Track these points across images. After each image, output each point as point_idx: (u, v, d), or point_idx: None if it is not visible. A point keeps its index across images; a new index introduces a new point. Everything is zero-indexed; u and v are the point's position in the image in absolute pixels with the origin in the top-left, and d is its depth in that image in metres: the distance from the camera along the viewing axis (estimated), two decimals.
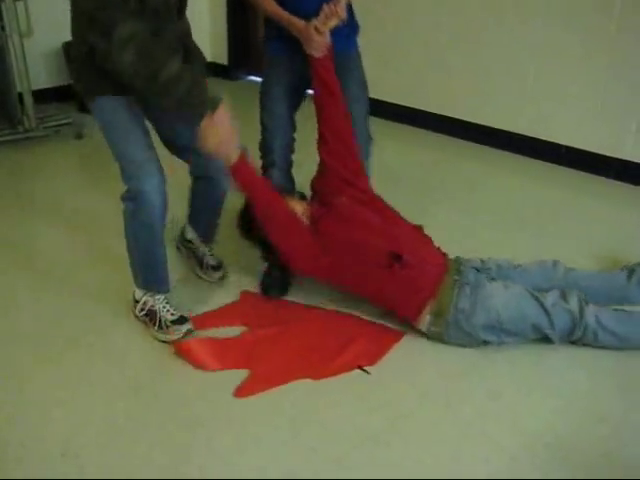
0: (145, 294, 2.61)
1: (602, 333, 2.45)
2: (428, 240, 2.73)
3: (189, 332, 2.56)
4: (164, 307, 2.58)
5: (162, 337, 2.56)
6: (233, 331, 2.63)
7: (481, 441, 2.12)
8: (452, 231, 3.29)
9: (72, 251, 3.28)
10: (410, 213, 2.82)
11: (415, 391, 2.34)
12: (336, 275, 2.61)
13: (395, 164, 4.23)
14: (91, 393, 2.32)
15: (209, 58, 6.06)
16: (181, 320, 2.57)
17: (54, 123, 4.78)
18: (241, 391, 2.30)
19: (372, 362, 2.46)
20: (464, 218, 3.60)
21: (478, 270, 2.59)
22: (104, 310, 2.77)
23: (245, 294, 2.89)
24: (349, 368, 2.43)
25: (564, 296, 2.48)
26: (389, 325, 2.66)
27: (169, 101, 2.21)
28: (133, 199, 2.39)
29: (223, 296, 2.88)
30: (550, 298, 2.46)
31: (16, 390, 2.34)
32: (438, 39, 4.65)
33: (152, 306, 2.58)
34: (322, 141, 2.77)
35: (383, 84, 4.91)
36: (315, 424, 2.18)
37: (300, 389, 2.34)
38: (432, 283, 2.50)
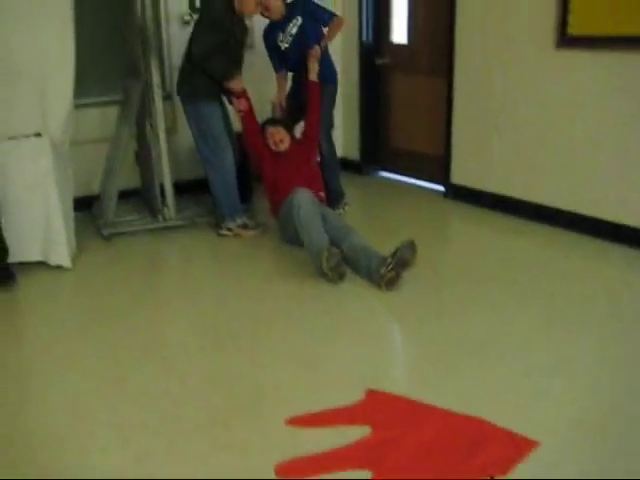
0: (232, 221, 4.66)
1: None
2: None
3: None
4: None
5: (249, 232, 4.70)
6: (352, 431, 2.52)
7: None
8: None
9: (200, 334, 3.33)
10: None
11: None
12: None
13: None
14: None
15: (341, 154, 6.27)
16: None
17: (191, 213, 4.99)
18: None
19: (504, 472, 2.25)
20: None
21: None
22: None
23: (372, 393, 2.77)
24: (479, 475, 2.24)
25: None
26: (518, 432, 2.45)
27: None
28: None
29: (344, 393, 2.79)
30: None
31: None
32: (573, 137, 4.51)
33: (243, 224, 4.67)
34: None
35: (517, 182, 4.85)
36: None
37: None
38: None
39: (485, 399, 2.72)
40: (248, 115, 4.62)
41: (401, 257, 3.67)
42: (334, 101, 5.10)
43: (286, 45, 4.87)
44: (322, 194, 4.63)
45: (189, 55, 4.49)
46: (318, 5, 4.97)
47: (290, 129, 4.75)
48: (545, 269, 4.06)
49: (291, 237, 4.27)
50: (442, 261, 4.36)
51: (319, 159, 4.96)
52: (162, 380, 2.95)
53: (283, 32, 4.84)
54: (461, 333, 3.29)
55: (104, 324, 3.49)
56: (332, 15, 4.91)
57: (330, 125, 5.10)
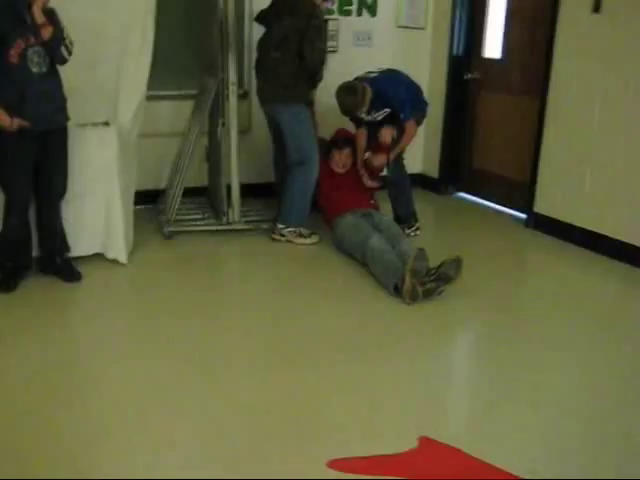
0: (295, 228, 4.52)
1: None
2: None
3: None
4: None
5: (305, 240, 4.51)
6: None
7: None
8: None
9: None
10: None
11: None
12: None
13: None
14: None
15: (420, 170, 6.00)
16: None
17: (256, 219, 4.80)
18: None
19: None
20: None
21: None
22: None
23: (425, 441, 2.48)
24: None
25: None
26: None
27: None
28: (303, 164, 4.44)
29: (398, 436, 2.51)
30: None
31: None
32: None
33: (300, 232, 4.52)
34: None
35: (608, 218, 4.46)
36: None
37: None
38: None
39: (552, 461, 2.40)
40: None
41: (445, 272, 3.67)
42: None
43: (369, 119, 4.64)
44: (373, 201, 4.67)
45: (292, 57, 4.34)
46: (404, 91, 4.63)
47: (355, 151, 4.71)
48: (633, 317, 3.69)
49: (347, 251, 4.28)
50: (519, 297, 4.07)
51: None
52: (202, 396, 2.74)
53: (368, 114, 4.61)
54: (533, 383, 2.97)
55: (150, 328, 3.33)
56: (409, 117, 4.61)
57: (401, 152, 4.82)
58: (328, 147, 4.70)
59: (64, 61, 3.51)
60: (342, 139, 4.73)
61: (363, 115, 4.60)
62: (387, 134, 4.61)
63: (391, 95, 4.59)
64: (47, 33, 3.38)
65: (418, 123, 4.78)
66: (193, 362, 3.00)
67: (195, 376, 2.89)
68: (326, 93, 4.71)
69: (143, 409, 2.65)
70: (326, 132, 4.82)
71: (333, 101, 4.57)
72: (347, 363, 3.06)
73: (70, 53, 3.50)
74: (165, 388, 2.80)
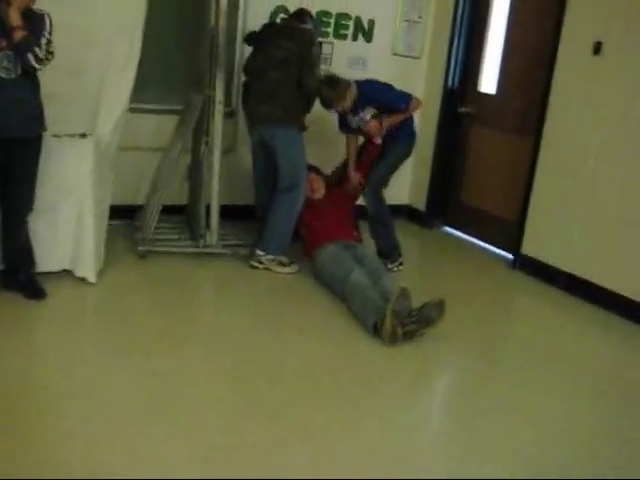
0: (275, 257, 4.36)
1: None
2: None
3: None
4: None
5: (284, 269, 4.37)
6: None
7: None
8: None
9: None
10: None
11: None
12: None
13: None
14: None
15: (407, 201, 5.85)
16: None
17: (234, 243, 4.62)
18: None
19: None
20: None
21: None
22: None
23: None
24: None
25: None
26: None
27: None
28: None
29: None
30: None
31: None
32: None
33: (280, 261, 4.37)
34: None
35: (597, 266, 4.33)
36: None
37: None
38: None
39: None
40: None
41: (427, 314, 3.51)
42: (398, 164, 4.66)
43: (356, 125, 4.51)
44: (356, 233, 4.53)
45: (293, 80, 4.29)
46: (389, 90, 4.50)
47: (328, 180, 4.67)
48: (616, 370, 3.57)
49: (326, 284, 4.13)
50: (499, 344, 3.92)
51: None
52: (160, 439, 2.55)
53: (354, 116, 4.48)
54: (510, 440, 2.80)
55: (108, 362, 3.09)
56: (408, 99, 4.47)
57: (382, 184, 4.64)
58: None
59: (31, 68, 3.27)
60: (314, 166, 4.64)
61: (349, 117, 4.47)
62: (372, 125, 4.43)
63: (380, 94, 4.47)
64: (17, 37, 3.19)
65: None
66: (153, 405, 2.78)
67: (154, 419, 2.69)
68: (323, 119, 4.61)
69: (93, 453, 2.45)
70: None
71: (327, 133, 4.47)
72: (317, 412, 2.88)
73: (40, 61, 3.25)
74: (119, 431, 2.59)
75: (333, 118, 4.63)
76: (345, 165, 4.70)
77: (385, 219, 4.66)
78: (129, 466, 2.38)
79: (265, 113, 4.36)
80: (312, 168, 4.58)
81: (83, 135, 3.85)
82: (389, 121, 4.46)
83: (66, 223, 3.79)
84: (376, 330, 3.50)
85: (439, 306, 3.52)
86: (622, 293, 4.19)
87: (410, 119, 4.61)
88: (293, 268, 4.41)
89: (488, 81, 5.43)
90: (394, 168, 4.65)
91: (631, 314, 4.12)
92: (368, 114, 4.42)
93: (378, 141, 4.50)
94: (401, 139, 4.57)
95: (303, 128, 4.43)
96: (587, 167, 4.40)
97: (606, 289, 4.27)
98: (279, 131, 4.35)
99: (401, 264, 4.64)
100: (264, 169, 4.55)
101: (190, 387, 2.98)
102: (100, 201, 3.90)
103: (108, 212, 4.09)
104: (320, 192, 4.57)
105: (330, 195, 4.62)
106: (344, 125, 4.59)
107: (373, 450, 2.65)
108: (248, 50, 4.63)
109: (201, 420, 2.72)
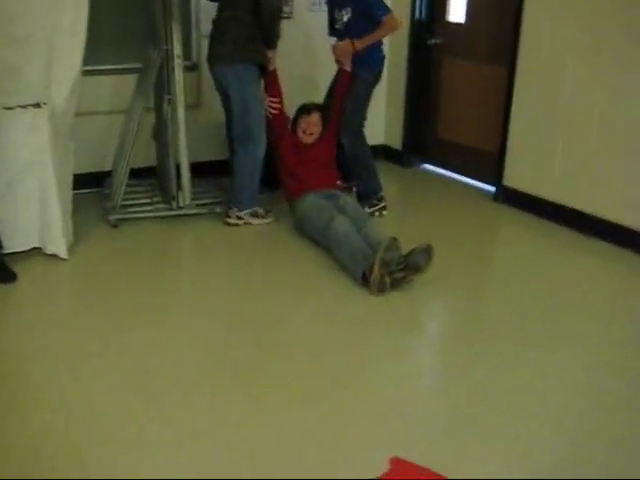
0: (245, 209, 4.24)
1: None
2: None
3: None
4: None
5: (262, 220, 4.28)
6: None
7: None
8: None
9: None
10: None
11: None
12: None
13: None
14: None
15: (382, 141, 5.69)
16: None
17: (209, 201, 4.47)
18: None
19: None
20: None
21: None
22: None
23: (396, 462, 2.24)
24: None
25: None
26: None
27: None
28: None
29: (367, 456, 2.26)
30: None
31: None
32: None
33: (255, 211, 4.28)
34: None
35: (580, 192, 4.24)
36: None
37: None
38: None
39: None
40: (278, 90, 4.25)
41: (414, 261, 3.44)
42: (369, 93, 4.47)
43: (338, 26, 4.38)
44: (339, 182, 4.36)
45: (244, 15, 4.01)
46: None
47: (326, 119, 4.30)
48: (605, 294, 3.54)
49: (308, 234, 4.03)
50: (490, 282, 3.85)
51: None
52: (140, 419, 2.46)
53: (339, 11, 4.34)
54: (509, 388, 2.74)
55: (89, 339, 2.99)
56: (385, 12, 4.23)
57: (359, 118, 4.47)
58: (297, 112, 4.31)
59: None
60: (312, 104, 4.35)
61: (336, 12, 4.35)
62: (342, 46, 4.27)
63: None
64: None
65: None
66: (132, 381, 2.69)
67: (134, 397, 2.59)
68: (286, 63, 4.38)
69: (70, 437, 2.35)
70: (290, 109, 4.38)
71: (294, 73, 4.25)
72: (307, 372, 2.80)
73: None
74: (99, 413, 2.49)
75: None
76: (329, 97, 4.51)
77: (366, 160, 4.52)
78: (114, 453, 2.29)
79: (216, 53, 4.15)
80: (317, 108, 4.31)
81: (37, 105, 3.63)
82: (362, 42, 4.23)
83: (28, 200, 3.63)
84: (365, 280, 3.41)
85: (427, 252, 3.43)
86: (606, 218, 4.11)
87: (379, 43, 4.41)
88: (269, 217, 4.32)
89: (457, 9, 5.21)
90: (366, 99, 4.46)
91: (617, 238, 4.05)
92: (346, 15, 4.30)
93: (348, 68, 4.31)
94: (367, 65, 4.37)
95: (261, 62, 4.14)
96: (564, 92, 4.25)
97: (591, 215, 4.19)
98: (228, 70, 4.11)
99: (384, 209, 4.51)
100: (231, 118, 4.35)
101: (167, 362, 2.86)
102: (62, 173, 3.72)
103: (72, 183, 3.91)
104: (313, 138, 4.28)
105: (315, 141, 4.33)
106: (333, 29, 4.46)
107: (372, 406, 2.58)
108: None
109: (181, 398, 2.61)
